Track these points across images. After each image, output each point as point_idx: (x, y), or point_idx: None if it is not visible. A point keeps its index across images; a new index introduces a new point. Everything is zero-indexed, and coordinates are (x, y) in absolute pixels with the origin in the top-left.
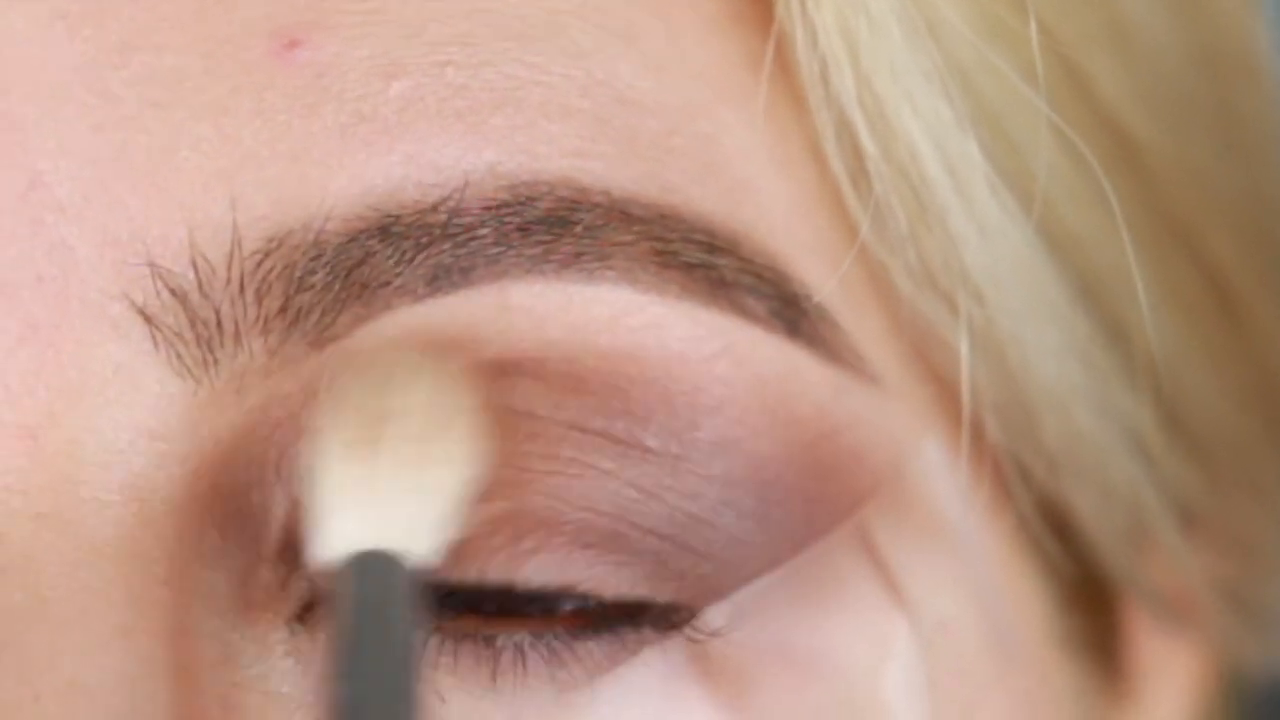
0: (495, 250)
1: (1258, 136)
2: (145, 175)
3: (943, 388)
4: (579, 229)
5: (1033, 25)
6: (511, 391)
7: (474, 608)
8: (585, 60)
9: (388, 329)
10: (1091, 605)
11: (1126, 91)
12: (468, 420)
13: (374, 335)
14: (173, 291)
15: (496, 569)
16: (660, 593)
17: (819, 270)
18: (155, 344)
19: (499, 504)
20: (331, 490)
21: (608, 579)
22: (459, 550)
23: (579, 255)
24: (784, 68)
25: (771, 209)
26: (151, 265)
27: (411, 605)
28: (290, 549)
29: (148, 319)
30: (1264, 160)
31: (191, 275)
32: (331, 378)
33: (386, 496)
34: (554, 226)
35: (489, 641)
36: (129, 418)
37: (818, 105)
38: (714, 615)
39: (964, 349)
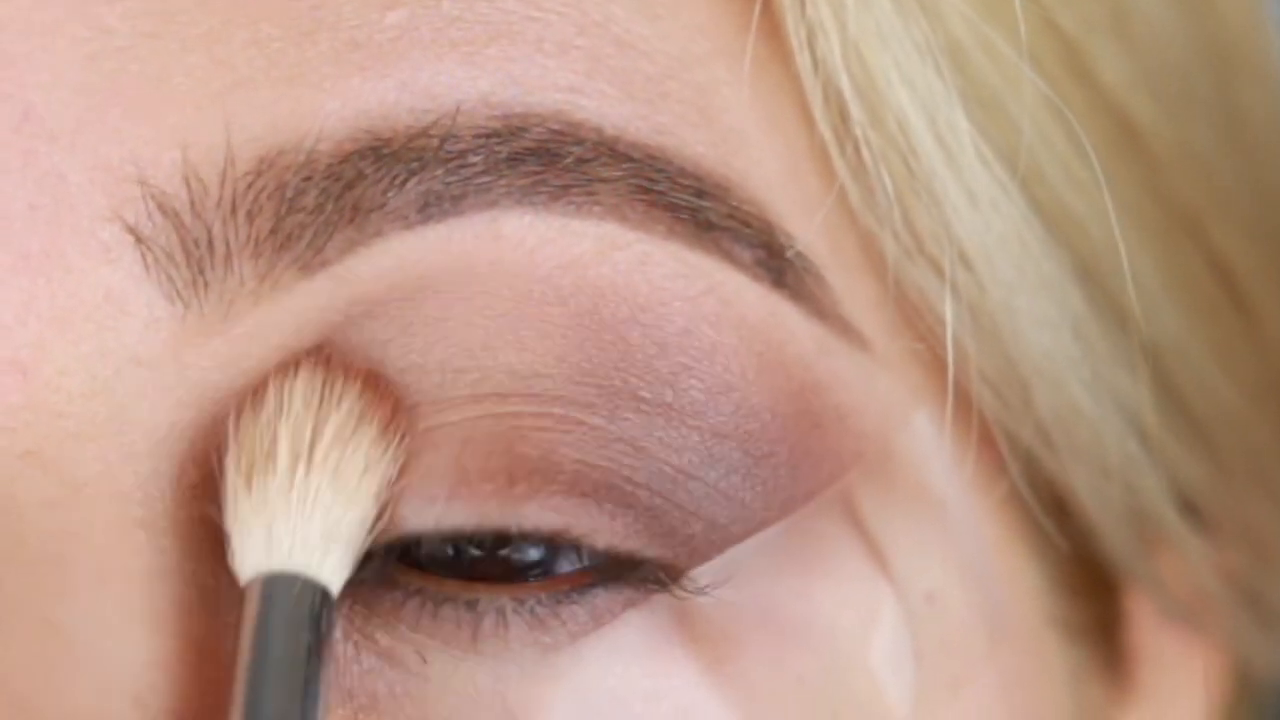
0: (486, 179)
1: (1261, 128)
2: (138, 102)
3: (934, 360)
4: (568, 161)
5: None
6: (515, 348)
7: (456, 570)
8: (581, 2)
9: (379, 257)
10: (1093, 590)
11: (1129, 77)
12: (359, 432)
13: (365, 263)
14: (164, 211)
15: (491, 513)
16: (650, 548)
17: (807, 229)
18: (146, 266)
19: (493, 459)
20: (239, 513)
21: (601, 528)
22: (453, 494)
23: (567, 188)
24: (774, 30)
25: (763, 164)
26: (143, 184)
27: (316, 628)
28: None
29: (139, 239)
30: (1267, 151)
31: (184, 194)
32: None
33: (292, 518)
34: (543, 158)
35: (471, 605)
36: (117, 343)
37: (805, 69)
38: (700, 577)
39: (949, 314)
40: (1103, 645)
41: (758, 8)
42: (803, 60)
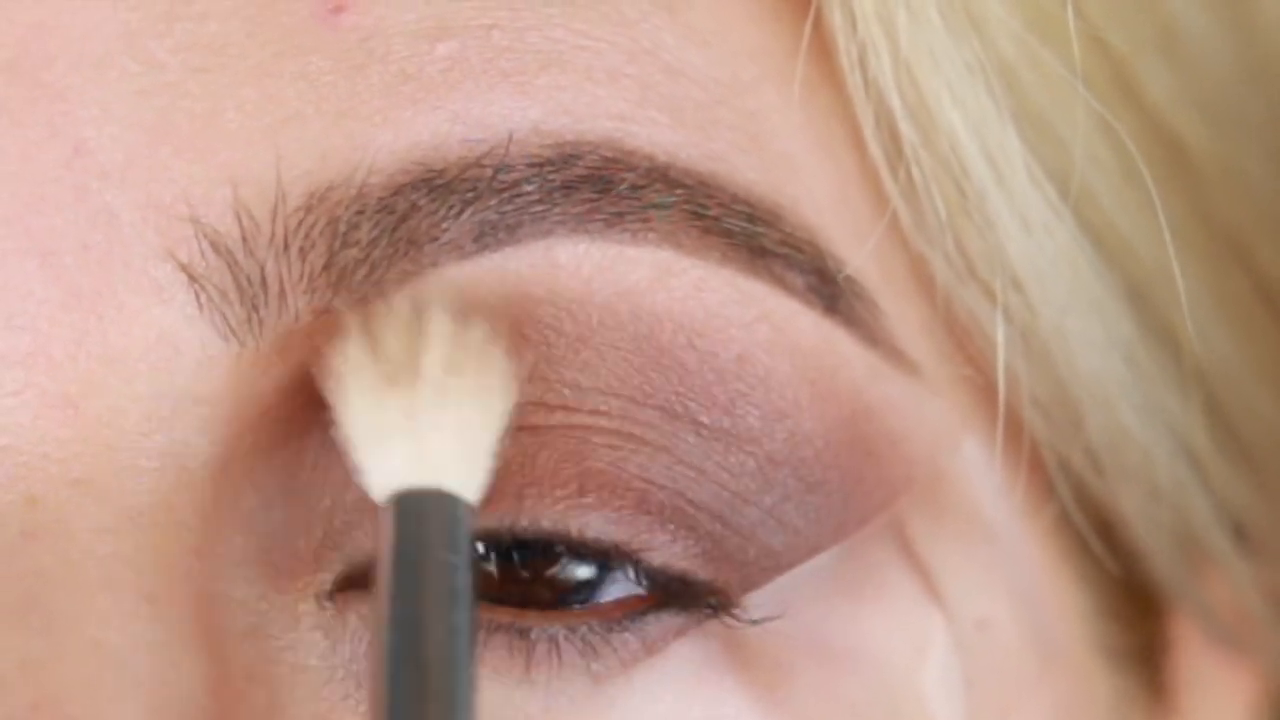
0: (540, 208)
1: None
2: (189, 139)
3: (984, 384)
4: (622, 188)
5: (1070, 13)
6: (578, 367)
7: (506, 599)
8: (631, 29)
9: (435, 287)
10: (1137, 615)
11: (1176, 96)
12: (499, 352)
13: (421, 295)
14: (217, 249)
15: (556, 517)
16: (704, 570)
17: (858, 254)
18: (199, 306)
19: (567, 466)
20: (371, 429)
21: (659, 546)
22: (521, 494)
23: (622, 215)
24: (824, 52)
25: (814, 189)
26: (195, 223)
27: (462, 542)
28: (325, 514)
29: (192, 278)
30: None
31: (236, 232)
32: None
33: (427, 432)
34: (597, 185)
35: (523, 633)
36: (171, 384)
37: (856, 91)
38: (751, 604)
39: (1000, 338)
40: (1146, 671)
41: (808, 30)
42: (854, 81)
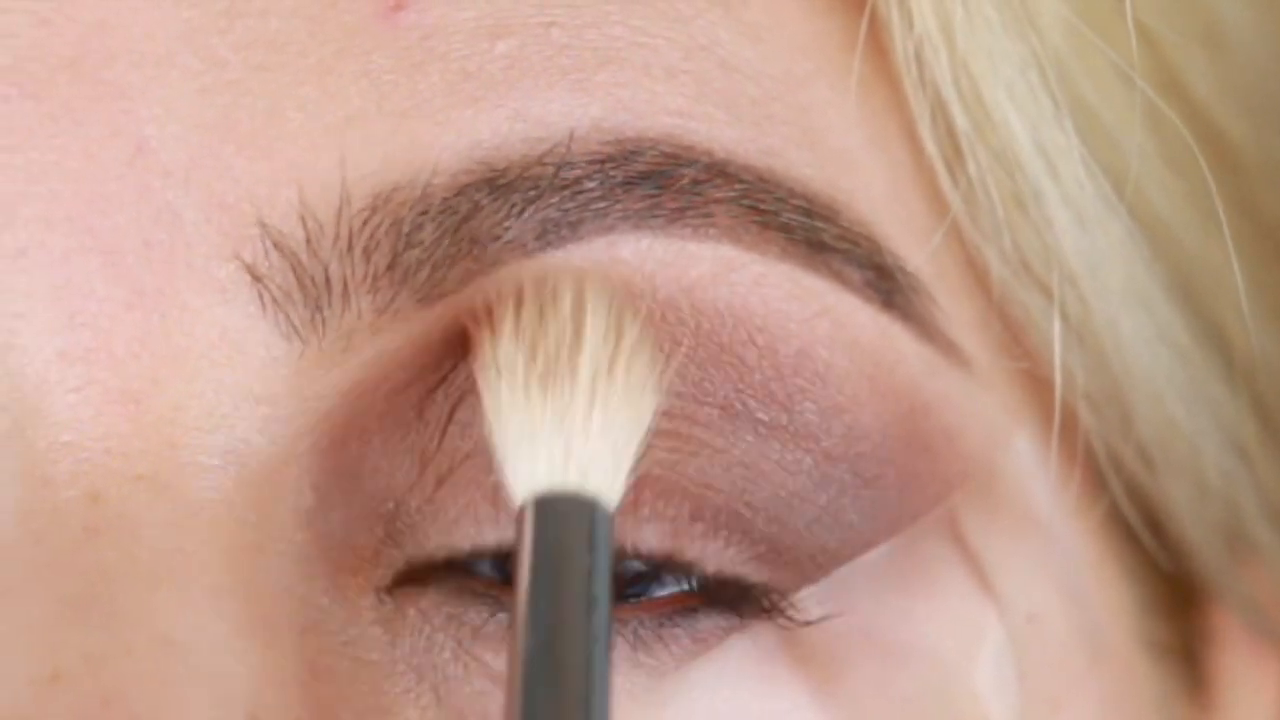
0: (602, 204)
1: None
2: (251, 137)
3: (1036, 379)
4: (683, 183)
5: (1128, 5)
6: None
7: None
8: (687, 25)
9: (498, 286)
10: (1180, 608)
11: (1221, 92)
12: (646, 349)
13: (483, 293)
14: (281, 250)
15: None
16: (758, 573)
17: (913, 248)
18: (263, 305)
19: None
20: (520, 428)
21: (712, 554)
22: None
23: (684, 210)
24: (880, 48)
25: (869, 184)
26: (260, 224)
27: (604, 549)
28: (388, 516)
29: (257, 278)
30: None
31: (300, 233)
32: (488, 307)
33: (575, 435)
34: (658, 181)
35: None
36: (233, 382)
37: (913, 86)
38: (806, 600)
39: (1056, 333)
40: (1187, 663)
41: (864, 25)
42: (910, 77)
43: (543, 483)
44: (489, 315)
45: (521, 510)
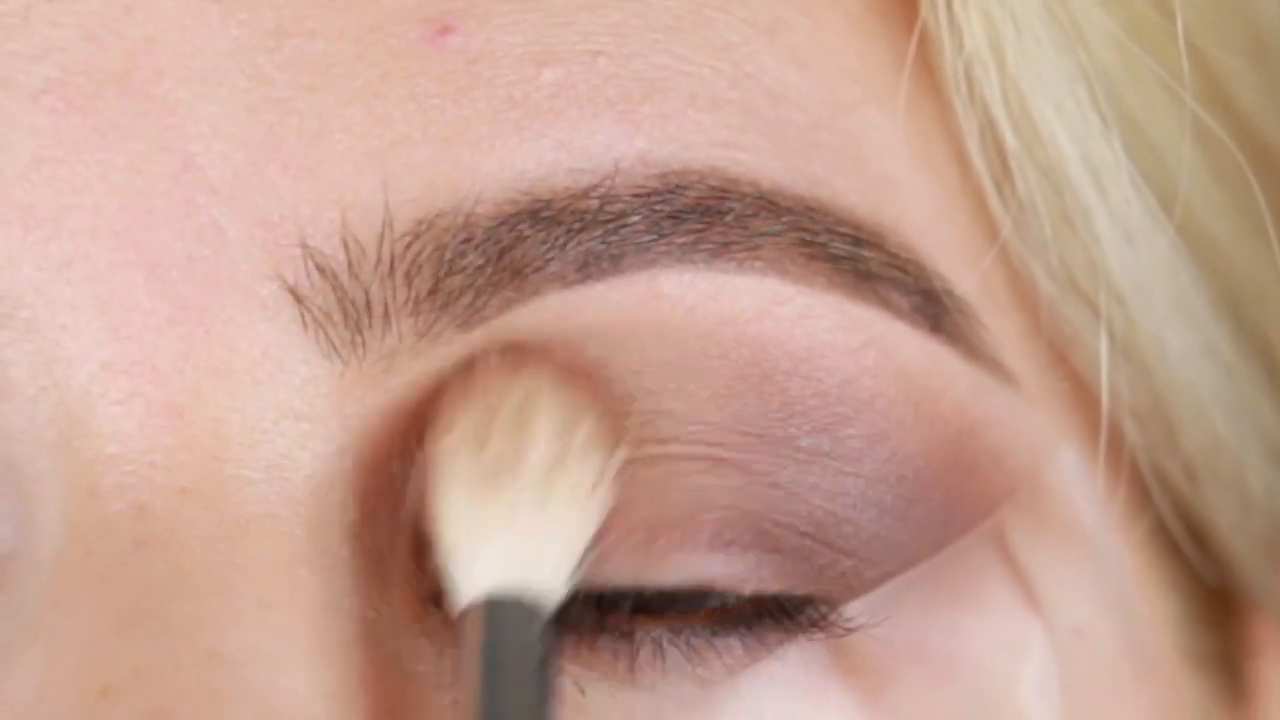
0: (646, 238)
1: None
2: (296, 157)
3: (1082, 394)
4: (729, 218)
5: (1180, 27)
6: (677, 395)
7: (611, 606)
8: (732, 53)
9: (537, 313)
10: (1222, 620)
11: (1266, 102)
12: (597, 447)
13: (523, 319)
14: (322, 272)
15: (631, 569)
16: (799, 588)
17: (961, 269)
18: (304, 325)
19: (640, 506)
20: (468, 525)
21: (746, 576)
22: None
23: (729, 245)
24: (927, 68)
25: (915, 207)
26: (303, 245)
27: (548, 652)
28: (430, 524)
29: (298, 299)
30: None
31: (342, 256)
32: (449, 403)
33: (521, 535)
34: (704, 215)
35: (627, 636)
36: (274, 398)
37: (962, 106)
38: (853, 612)
39: (1104, 350)
40: (1230, 675)
41: (913, 47)
42: (959, 96)
43: (490, 584)
44: (440, 410)
45: (468, 611)
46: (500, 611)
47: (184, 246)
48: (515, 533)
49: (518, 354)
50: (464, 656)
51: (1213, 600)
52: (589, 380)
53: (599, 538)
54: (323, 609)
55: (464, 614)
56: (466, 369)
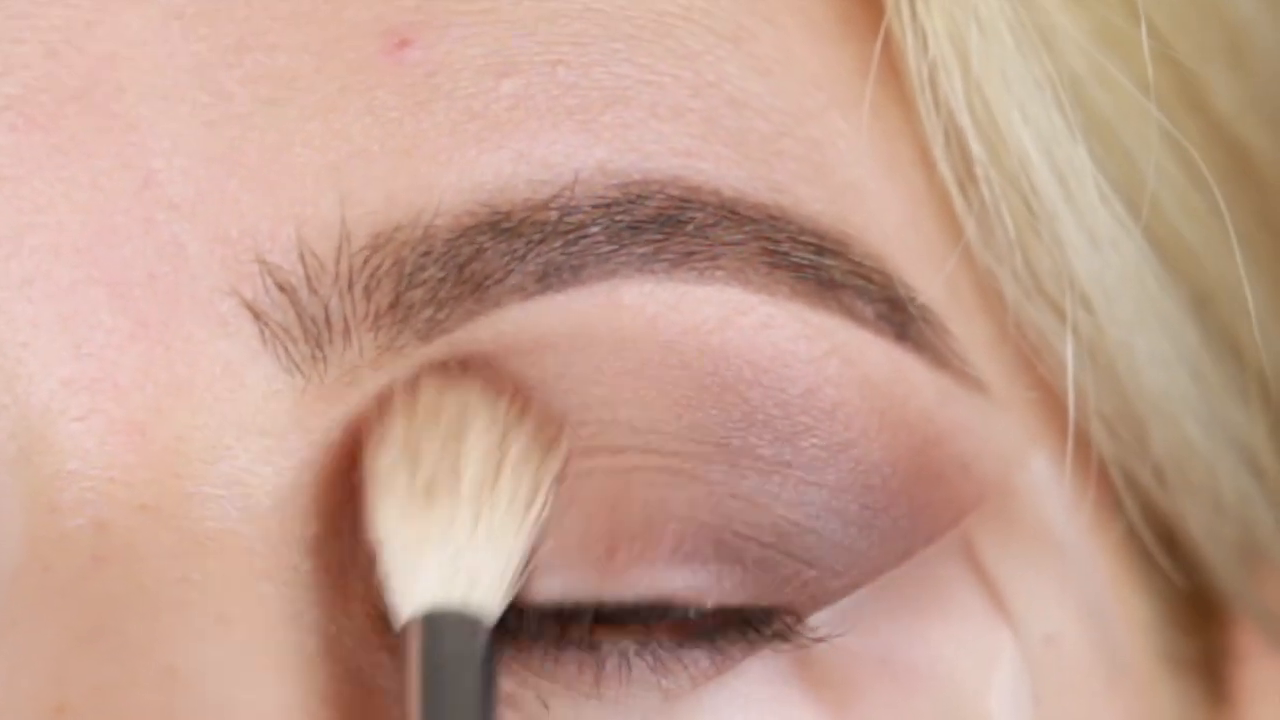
0: (607, 249)
1: None
2: (256, 173)
3: (1051, 400)
4: (690, 228)
5: (1143, 30)
6: (636, 404)
7: (574, 619)
8: (694, 61)
9: (497, 324)
10: (1199, 624)
11: (1242, 105)
12: (532, 460)
13: (483, 329)
14: (281, 287)
15: (589, 585)
16: (763, 599)
17: (927, 276)
18: (263, 340)
19: (598, 520)
20: (404, 542)
21: (708, 588)
22: (548, 567)
23: (690, 254)
24: (892, 73)
25: (880, 213)
26: (261, 261)
27: (486, 665)
28: None
29: (256, 315)
30: None
31: (300, 271)
32: (386, 420)
33: (457, 551)
34: (665, 225)
35: (593, 648)
36: (235, 414)
37: (926, 110)
38: (819, 622)
39: (1069, 355)
40: (1209, 680)
41: (877, 52)
42: (924, 101)
43: (429, 600)
44: (374, 426)
45: (408, 626)
46: (438, 625)
47: (145, 263)
48: (452, 549)
49: (452, 370)
50: (405, 671)
51: (1190, 605)
52: (526, 394)
53: (539, 550)
54: (283, 623)
55: (404, 629)
56: (411, 386)
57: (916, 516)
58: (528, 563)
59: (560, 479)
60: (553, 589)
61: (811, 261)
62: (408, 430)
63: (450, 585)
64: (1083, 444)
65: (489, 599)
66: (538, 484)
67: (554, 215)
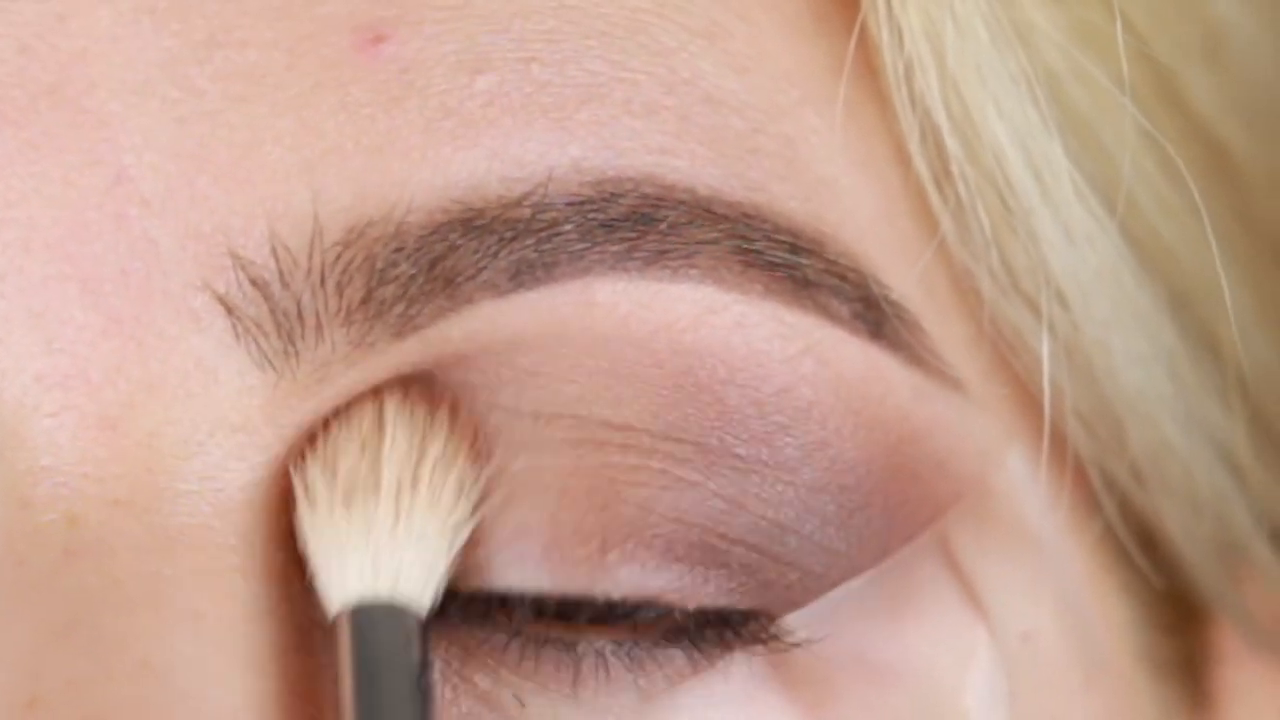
0: (579, 246)
1: None
2: (228, 169)
3: (1028, 398)
4: (663, 226)
5: (1119, 28)
6: (610, 403)
7: (556, 614)
8: (668, 58)
9: (469, 321)
10: (1179, 624)
11: (1220, 102)
12: (453, 459)
13: (456, 327)
14: (254, 282)
15: (581, 578)
16: (743, 601)
17: (902, 273)
18: (236, 336)
19: (589, 515)
20: (334, 538)
21: (693, 590)
22: (545, 555)
23: (663, 253)
24: (868, 69)
25: (855, 211)
26: (233, 256)
27: (422, 653)
28: None
29: (229, 310)
30: None
31: (273, 265)
32: (319, 429)
33: (380, 549)
34: (638, 223)
35: (570, 647)
36: (208, 410)
37: (902, 107)
38: (795, 624)
39: (1045, 353)
40: (1189, 680)
41: (852, 48)
42: (899, 98)
43: (355, 593)
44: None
45: (337, 620)
46: (364, 619)
47: (116, 259)
48: (373, 548)
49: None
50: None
51: (1170, 606)
52: (450, 398)
53: (489, 542)
54: (255, 617)
55: (334, 624)
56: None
57: (893, 515)
58: (458, 557)
59: (498, 474)
60: (544, 581)
61: (786, 260)
62: (326, 441)
63: (375, 580)
64: (1059, 442)
65: (417, 591)
66: (460, 484)
67: (527, 213)
